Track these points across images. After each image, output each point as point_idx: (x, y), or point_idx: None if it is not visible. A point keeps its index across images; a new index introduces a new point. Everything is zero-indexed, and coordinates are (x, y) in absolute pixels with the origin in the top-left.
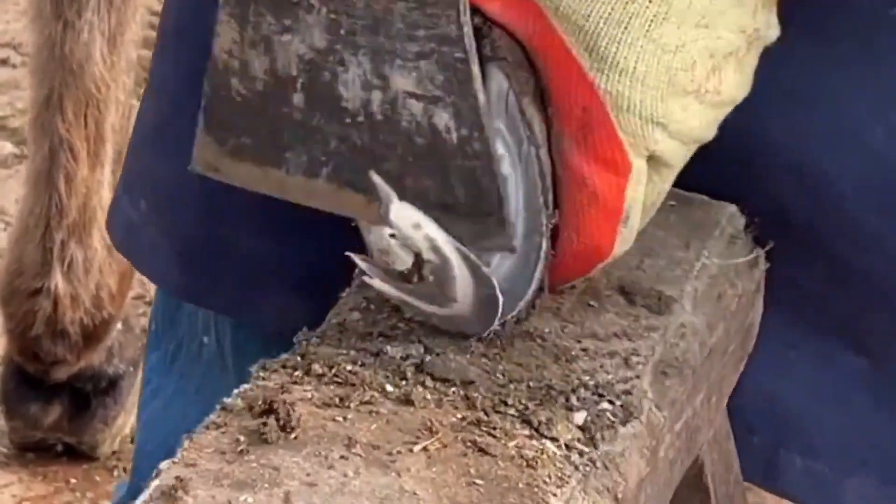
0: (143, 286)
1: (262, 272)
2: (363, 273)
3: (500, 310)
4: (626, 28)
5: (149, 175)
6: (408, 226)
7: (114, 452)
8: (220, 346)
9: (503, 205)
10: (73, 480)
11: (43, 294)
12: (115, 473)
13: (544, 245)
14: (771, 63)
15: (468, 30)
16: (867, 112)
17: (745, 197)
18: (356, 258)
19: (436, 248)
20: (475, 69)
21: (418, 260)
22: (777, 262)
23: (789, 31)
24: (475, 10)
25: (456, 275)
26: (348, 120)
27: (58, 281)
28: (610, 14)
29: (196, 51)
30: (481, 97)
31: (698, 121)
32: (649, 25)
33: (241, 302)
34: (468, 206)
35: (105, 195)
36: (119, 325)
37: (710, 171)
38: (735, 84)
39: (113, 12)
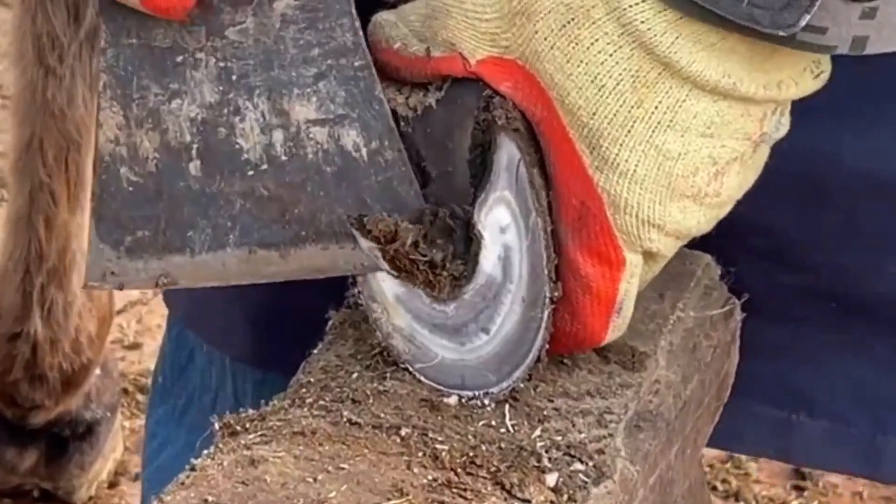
0: (122, 330)
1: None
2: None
3: (530, 355)
4: (629, 131)
5: None
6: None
7: (90, 498)
8: (237, 399)
9: (419, 199)
10: None
11: (22, 338)
12: None
13: (546, 316)
14: (840, 86)
15: (363, 35)
16: None
17: (816, 215)
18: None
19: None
20: (375, 73)
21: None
22: (845, 271)
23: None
24: (487, 86)
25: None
26: (251, 172)
27: (37, 325)
28: (615, 115)
29: None
30: (386, 105)
31: (696, 221)
32: (653, 132)
33: None
34: None
35: (85, 240)
36: (97, 370)
37: (778, 194)
38: (736, 186)
39: (95, 57)
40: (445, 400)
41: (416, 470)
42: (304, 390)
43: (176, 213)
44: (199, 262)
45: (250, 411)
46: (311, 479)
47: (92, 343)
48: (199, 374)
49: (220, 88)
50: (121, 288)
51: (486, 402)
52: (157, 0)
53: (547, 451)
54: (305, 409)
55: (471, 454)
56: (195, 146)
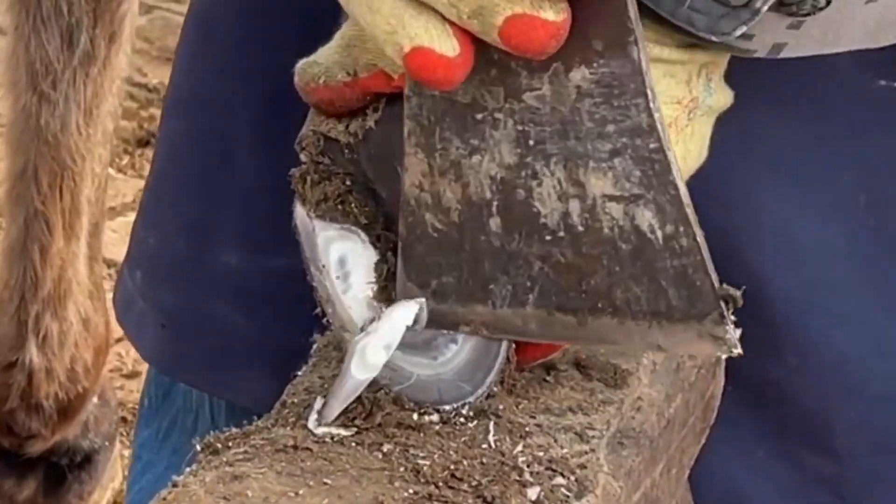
0: (120, 359)
1: (236, 347)
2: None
3: (500, 357)
4: None
5: (142, 246)
6: None
7: None
8: (214, 421)
9: (719, 301)
10: None
11: (17, 367)
12: None
13: None
14: (756, 139)
15: (659, 117)
16: (852, 184)
17: (727, 273)
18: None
19: None
20: (671, 157)
21: None
22: (747, 352)
23: (775, 110)
24: None
25: None
26: (548, 237)
27: (32, 354)
28: None
29: (183, 123)
30: (682, 188)
31: None
32: None
33: (216, 377)
34: (681, 309)
35: (80, 268)
36: (95, 399)
37: None
38: (680, 155)
39: (89, 84)
40: (427, 417)
41: (397, 484)
42: (286, 411)
43: (478, 265)
44: (499, 315)
45: (233, 430)
46: (292, 494)
47: (88, 372)
48: (182, 395)
49: (519, 151)
50: (430, 327)
51: (465, 411)
52: (425, 71)
53: (528, 466)
54: (288, 428)
55: (452, 468)
56: (495, 203)
